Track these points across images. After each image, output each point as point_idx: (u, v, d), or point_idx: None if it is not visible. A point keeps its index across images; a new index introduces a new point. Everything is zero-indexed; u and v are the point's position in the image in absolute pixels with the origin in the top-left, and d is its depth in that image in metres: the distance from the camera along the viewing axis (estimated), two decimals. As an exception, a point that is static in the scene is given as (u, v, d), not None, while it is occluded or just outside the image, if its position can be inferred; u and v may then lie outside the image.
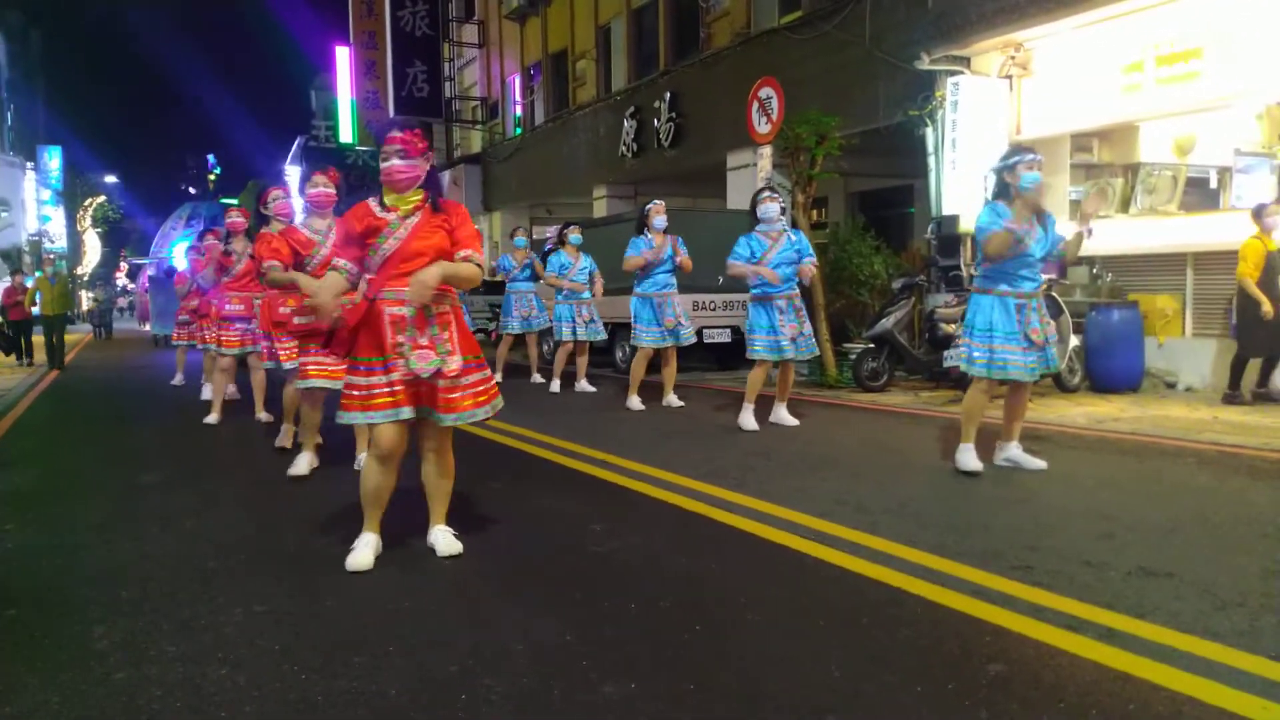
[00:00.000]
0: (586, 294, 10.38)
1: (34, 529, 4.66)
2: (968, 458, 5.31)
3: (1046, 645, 2.78)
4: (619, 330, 11.78)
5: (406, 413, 3.71)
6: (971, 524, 4.23)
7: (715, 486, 5.02)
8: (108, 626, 3.17)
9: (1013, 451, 5.44)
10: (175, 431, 8.15)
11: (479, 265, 3.81)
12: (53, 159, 46.00)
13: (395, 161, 3.73)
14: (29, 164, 44.02)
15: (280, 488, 5.46)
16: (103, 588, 3.63)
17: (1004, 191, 5.24)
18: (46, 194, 44.90)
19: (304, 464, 5.67)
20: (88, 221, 49.49)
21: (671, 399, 8.71)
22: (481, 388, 3.84)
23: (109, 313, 28.88)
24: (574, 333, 10.36)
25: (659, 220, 8.61)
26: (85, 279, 49.28)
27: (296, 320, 5.41)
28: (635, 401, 8.58)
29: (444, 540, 3.92)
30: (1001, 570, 3.48)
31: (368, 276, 3.83)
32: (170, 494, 5.38)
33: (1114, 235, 9.98)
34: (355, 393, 3.72)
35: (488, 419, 3.93)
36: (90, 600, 3.49)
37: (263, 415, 8.10)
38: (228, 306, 8.35)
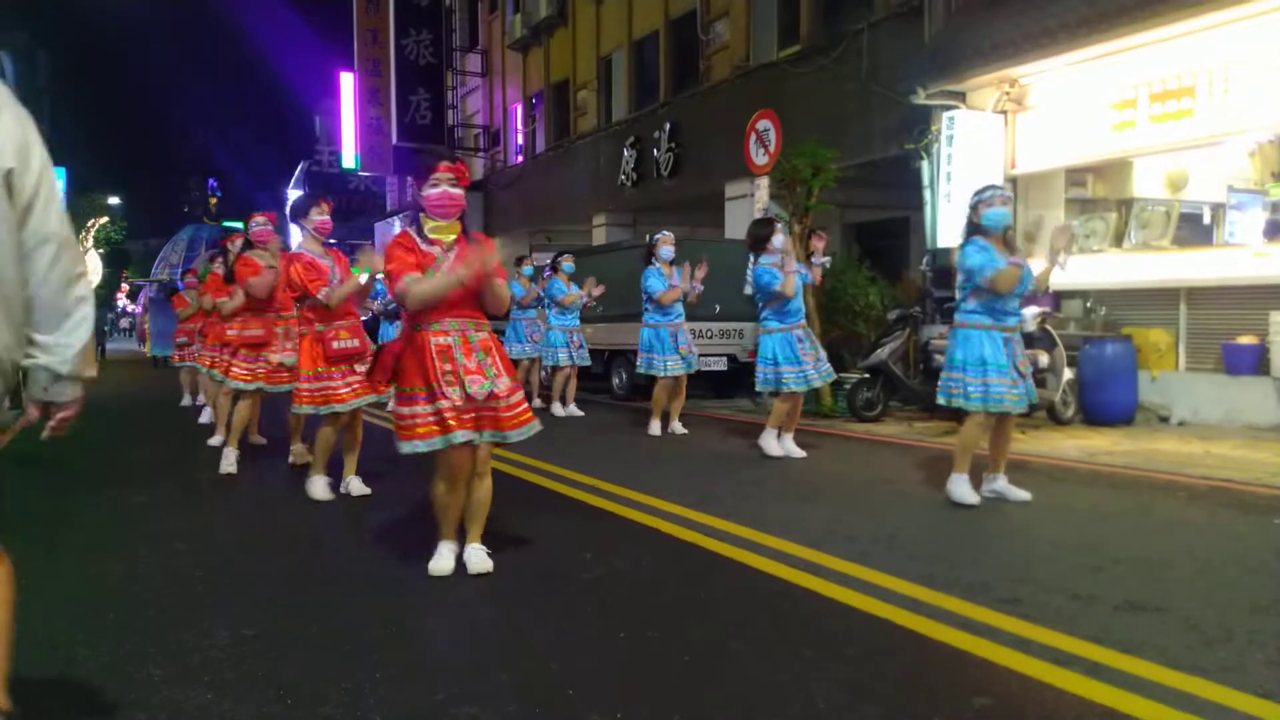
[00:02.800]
0: (576, 321, 10.60)
1: (21, 548, 4.63)
2: (963, 490, 5.31)
3: (1033, 679, 2.78)
4: (615, 357, 11.84)
5: (461, 436, 3.75)
6: (961, 555, 4.24)
7: (707, 515, 5.03)
8: (91, 650, 3.16)
9: (999, 483, 5.46)
10: (169, 453, 8.15)
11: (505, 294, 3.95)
12: (58, 180, 46.17)
13: (448, 189, 3.82)
14: (31, 185, 44.11)
15: (272, 510, 5.47)
16: (88, 610, 3.63)
17: (973, 230, 5.34)
18: (49, 214, 45.01)
19: (322, 486, 5.64)
20: (90, 242, 49.59)
21: (676, 426, 8.77)
22: (525, 405, 3.97)
23: (105, 334, 28.88)
24: (570, 358, 10.51)
25: (666, 251, 8.71)
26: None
27: (335, 345, 5.45)
28: (656, 427, 8.67)
29: (478, 558, 3.96)
30: (989, 603, 3.48)
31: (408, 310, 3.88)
32: (161, 515, 5.38)
33: (1107, 269, 10.06)
34: (403, 422, 3.81)
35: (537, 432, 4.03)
36: (75, 622, 3.48)
37: (257, 439, 8.14)
38: (229, 332, 8.38)
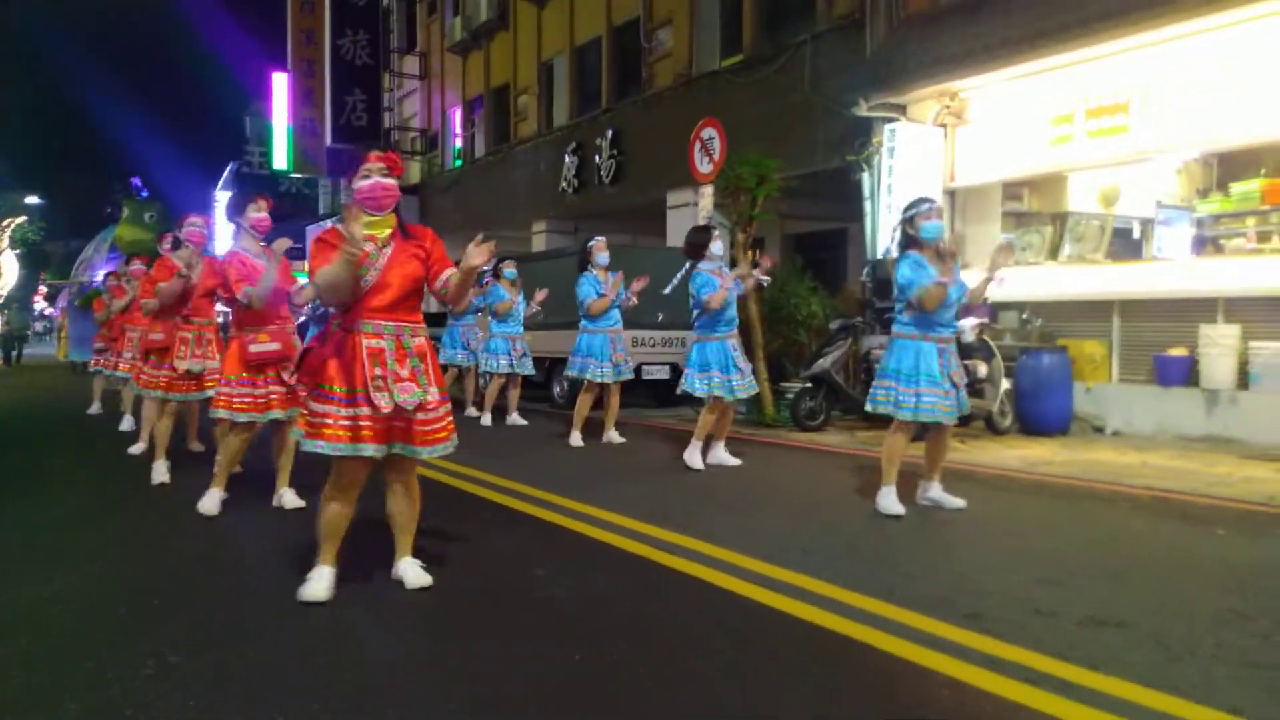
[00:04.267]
0: (520, 328, 10.34)
1: (-75, 569, 4.31)
2: (890, 501, 5.31)
3: (1005, 700, 2.71)
4: (556, 365, 11.66)
5: (370, 449, 3.52)
6: (917, 569, 4.17)
7: (659, 528, 4.90)
8: (7, 682, 2.90)
9: (934, 491, 5.50)
10: (86, 464, 7.74)
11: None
12: (-32, 178, 44.24)
13: (379, 179, 3.57)
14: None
15: (200, 524, 5.17)
16: (3, 639, 3.34)
17: (909, 242, 5.36)
18: (-41, 212, 43.16)
19: (215, 501, 5.32)
20: (5, 242, 47.60)
21: (613, 435, 8.63)
22: (448, 420, 3.73)
23: (22, 339, 27.70)
24: (510, 365, 10.28)
25: (601, 257, 8.59)
26: (1, 300, 47.34)
27: (253, 349, 5.17)
28: (577, 438, 8.44)
29: (413, 573, 3.77)
30: (952, 618, 3.41)
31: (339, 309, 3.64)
32: (78, 531, 5.06)
33: (1043, 282, 10.22)
34: (313, 419, 3.53)
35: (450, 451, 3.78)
36: (-15, 650, 3.20)
37: (195, 445, 7.83)
38: (152, 335, 8.04)
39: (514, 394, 10.53)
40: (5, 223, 44.36)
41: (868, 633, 3.27)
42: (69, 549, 4.64)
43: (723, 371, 6.96)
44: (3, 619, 3.54)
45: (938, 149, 11.11)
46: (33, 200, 46.44)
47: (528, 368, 10.51)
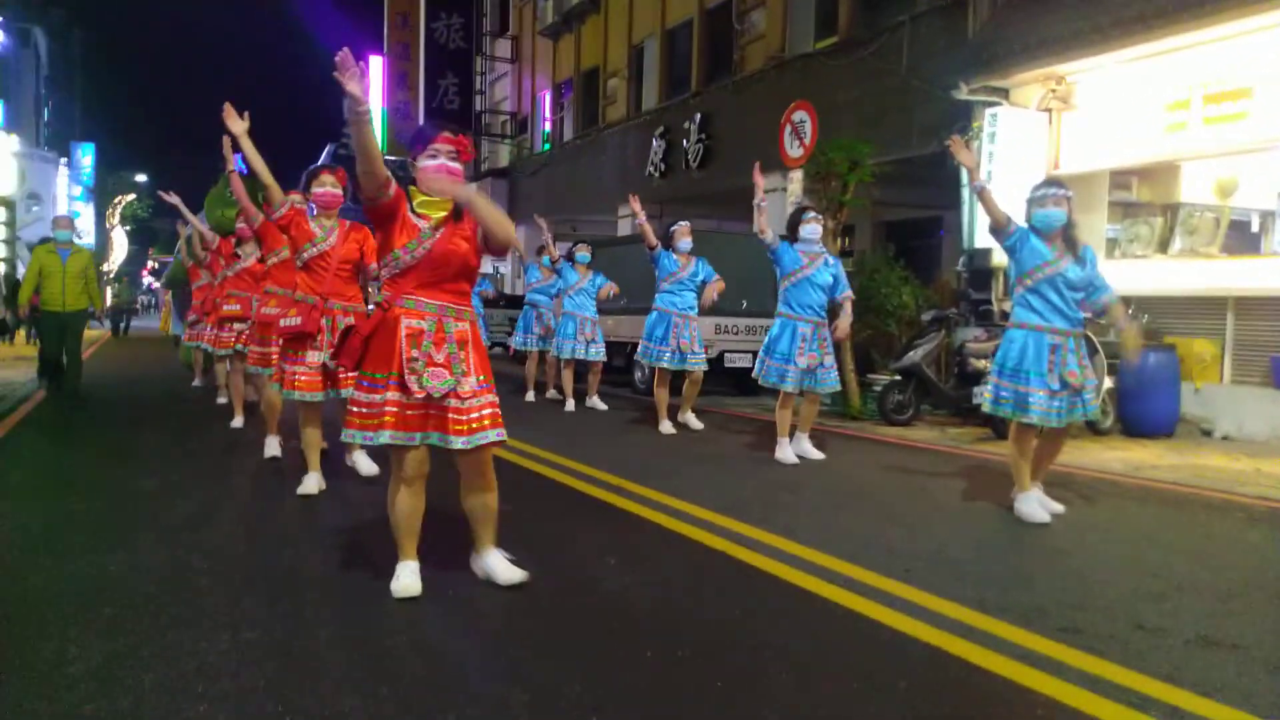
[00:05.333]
0: (593, 311, 10.23)
1: (25, 533, 4.46)
2: (1030, 508, 5.00)
3: (1106, 725, 2.52)
4: (634, 353, 11.58)
5: (418, 437, 3.45)
6: (1011, 577, 3.96)
7: (738, 521, 4.77)
8: (83, 648, 2.95)
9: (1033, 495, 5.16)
10: (183, 435, 7.96)
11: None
12: (85, 156, 46.35)
13: (445, 161, 3.47)
14: (62, 159, 44.39)
15: (285, 502, 5.25)
16: (86, 603, 3.42)
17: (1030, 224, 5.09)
18: (78, 190, 45.24)
19: (312, 483, 5.35)
20: (116, 218, 49.83)
21: (691, 418, 8.48)
22: (490, 411, 3.56)
23: (130, 311, 28.91)
24: (573, 351, 10.18)
25: (684, 243, 8.43)
26: (111, 275, 49.55)
27: (283, 323, 5.20)
28: (668, 425, 8.33)
29: (502, 567, 3.64)
30: (1048, 632, 3.21)
31: (384, 280, 3.58)
32: (170, 502, 5.17)
33: (1151, 276, 9.72)
34: (358, 409, 3.47)
35: (498, 444, 3.62)
36: (71, 617, 3.27)
37: (237, 421, 8.01)
38: (226, 307, 8.24)
39: (594, 379, 10.43)
40: (116, 200, 46.44)
41: (958, 644, 3.09)
42: (160, 520, 4.74)
43: (781, 360, 6.74)
44: (90, 587, 3.62)
45: (1041, 135, 10.63)
46: (141, 178, 48.43)
47: (594, 354, 10.27)
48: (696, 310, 8.47)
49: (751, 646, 3.07)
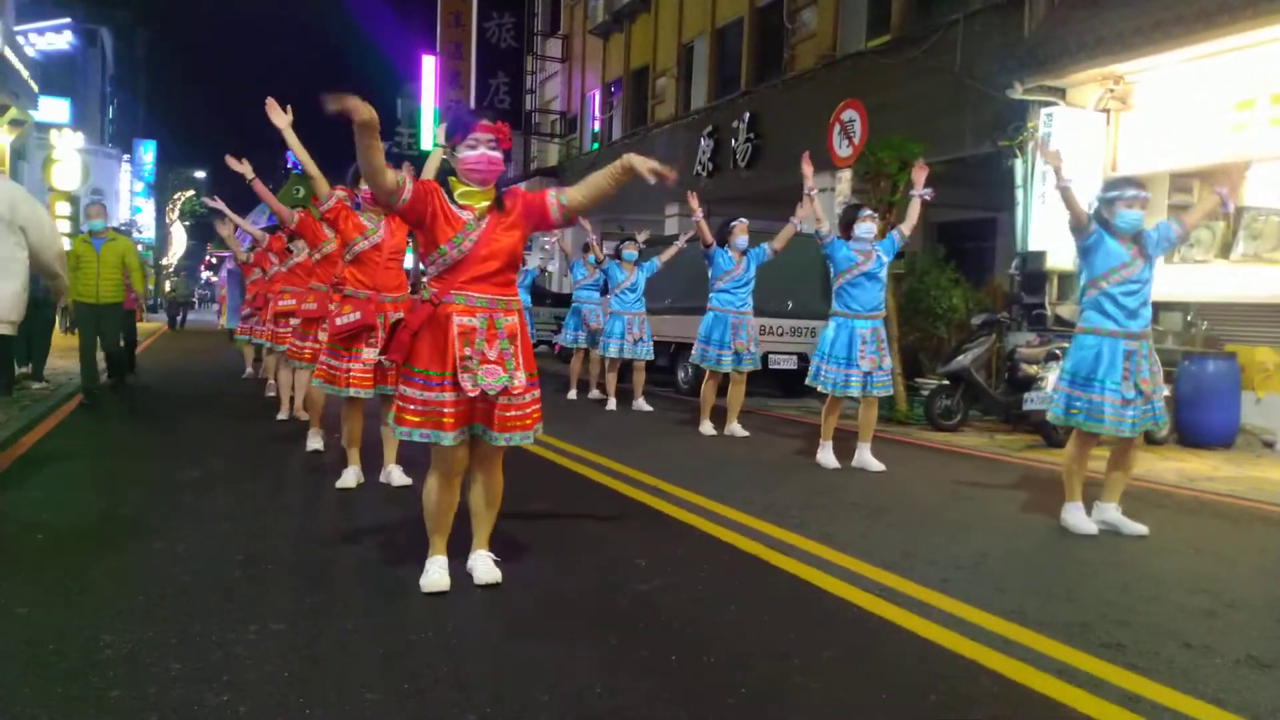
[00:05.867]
0: (640, 307, 10.13)
1: (66, 521, 4.54)
2: (1077, 518, 4.86)
3: (1146, 746, 2.42)
4: (681, 350, 11.52)
5: (449, 438, 3.42)
6: (1054, 589, 3.84)
7: (773, 525, 4.70)
8: (115, 635, 2.98)
9: (1110, 514, 4.95)
10: (230, 427, 8.09)
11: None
12: (147, 152, 47.58)
13: (486, 151, 3.42)
14: (125, 156, 45.56)
15: (323, 495, 5.29)
16: (121, 590, 3.47)
17: (1101, 225, 4.84)
18: (139, 185, 46.40)
19: (351, 477, 5.40)
20: (176, 214, 51.03)
21: (735, 428, 8.23)
22: (535, 408, 3.56)
23: (187, 304, 29.55)
24: (620, 350, 10.08)
25: (741, 240, 8.19)
26: (170, 269, 50.75)
27: (339, 321, 5.21)
28: (708, 426, 8.19)
29: (483, 567, 3.64)
30: (1090, 647, 3.10)
31: (432, 278, 3.50)
32: (209, 493, 5.24)
33: (1212, 281, 9.43)
34: (413, 406, 3.41)
35: (529, 443, 3.63)
36: (105, 604, 3.31)
37: (283, 415, 8.10)
38: (280, 302, 8.32)
39: (638, 379, 10.34)
40: (176, 196, 47.57)
41: (993, 657, 3.00)
42: (202, 510, 4.80)
43: (841, 365, 6.53)
44: (127, 575, 3.67)
45: (1098, 136, 10.37)
46: (201, 174, 49.52)
47: (643, 353, 10.16)
48: (751, 308, 8.26)
49: (780, 654, 3.01)
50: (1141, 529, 4.84)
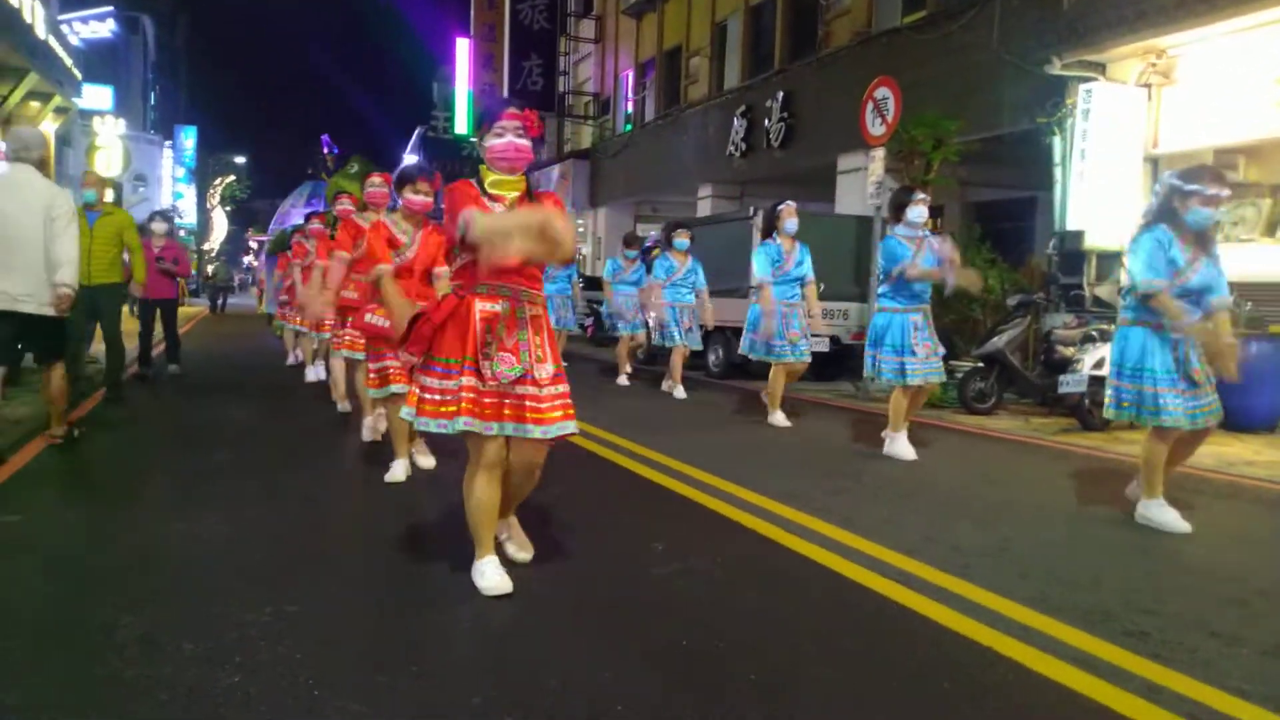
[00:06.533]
0: (690, 298, 9.99)
1: (96, 503, 4.63)
2: (1164, 515, 4.59)
3: (1164, 739, 2.36)
4: (712, 334, 11.44)
5: (495, 428, 3.31)
6: (1080, 576, 3.76)
7: (796, 510, 4.65)
8: (135, 616, 3.03)
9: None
10: (263, 411, 8.19)
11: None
12: (188, 138, 48.19)
13: (513, 139, 3.36)
14: (166, 142, 46.22)
15: (352, 484, 5.34)
16: (143, 572, 3.53)
17: (1168, 215, 4.53)
18: (180, 171, 47.06)
19: (400, 470, 5.31)
20: (217, 199, 51.72)
21: (778, 417, 7.90)
22: (563, 399, 3.42)
23: (227, 289, 29.96)
24: (675, 337, 9.96)
25: (790, 224, 7.82)
26: (213, 254, 51.50)
27: (368, 319, 5.23)
28: (780, 417, 7.82)
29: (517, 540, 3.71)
30: (1112, 636, 3.03)
31: (458, 269, 3.44)
32: (239, 478, 5.31)
33: (1256, 261, 9.17)
34: (430, 396, 3.34)
35: (573, 434, 3.49)
36: (126, 584, 3.38)
37: (343, 405, 8.09)
38: (344, 293, 8.33)
39: (678, 362, 10.19)
40: (216, 181, 48.14)
41: (1011, 645, 2.94)
42: (229, 494, 4.86)
43: (898, 353, 6.36)
44: (152, 556, 3.73)
45: (1139, 112, 10.10)
46: (241, 160, 50.06)
47: (694, 341, 10.10)
48: (800, 297, 7.93)
49: (793, 641, 2.98)
50: (1185, 527, 4.60)
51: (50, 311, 5.38)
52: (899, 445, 6.40)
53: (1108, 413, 4.86)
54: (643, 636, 3.00)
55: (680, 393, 9.81)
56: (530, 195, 3.49)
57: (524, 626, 3.10)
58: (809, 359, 8.05)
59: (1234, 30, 8.98)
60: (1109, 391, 4.78)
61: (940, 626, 3.11)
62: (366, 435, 6.41)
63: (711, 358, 12.15)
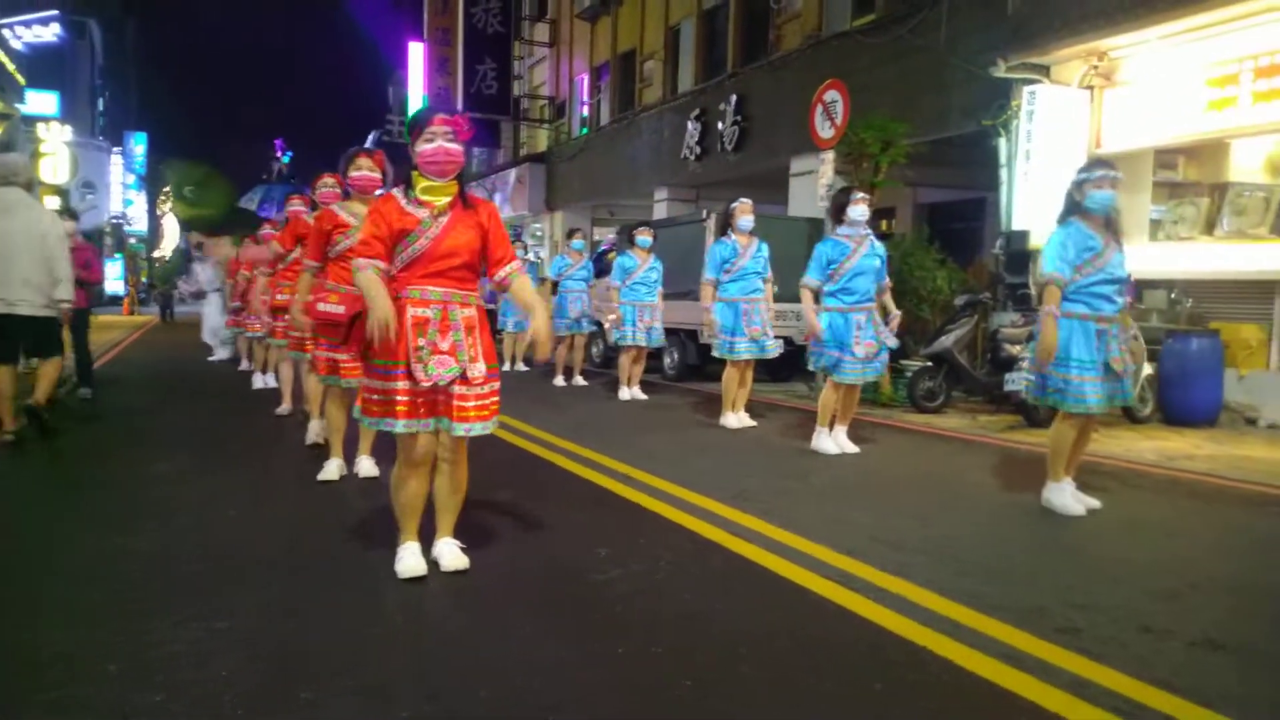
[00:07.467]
0: (652, 297, 9.91)
1: (31, 515, 4.51)
2: (1064, 498, 4.81)
3: (1088, 734, 2.38)
4: (667, 336, 11.42)
5: (401, 425, 3.45)
6: (1016, 571, 3.81)
7: (740, 511, 4.66)
8: (63, 633, 2.96)
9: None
10: (207, 419, 8.05)
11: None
12: (138, 145, 47.41)
13: (443, 144, 3.41)
14: (115, 148, 45.39)
15: (293, 489, 5.26)
16: (77, 587, 3.45)
17: (1073, 209, 4.82)
18: (130, 178, 46.24)
19: (334, 469, 5.35)
20: (168, 206, 50.85)
21: (742, 416, 7.94)
22: (494, 399, 3.57)
23: (173, 296, 29.49)
24: (633, 338, 9.86)
25: (744, 221, 7.87)
26: (164, 261, 50.59)
27: (321, 307, 5.15)
28: (733, 419, 7.85)
29: (450, 554, 3.66)
30: (1044, 632, 3.06)
31: (395, 273, 3.50)
32: (180, 486, 5.22)
33: (1196, 259, 9.38)
34: (375, 396, 3.46)
35: (491, 432, 3.60)
36: (59, 600, 3.31)
37: (285, 408, 8.00)
38: (279, 296, 8.23)
39: (637, 368, 10.05)
40: (166, 189, 47.35)
41: (945, 643, 2.96)
42: (168, 503, 4.77)
43: (838, 349, 6.46)
44: (87, 570, 3.65)
45: (1082, 113, 10.27)
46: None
47: (656, 340, 9.99)
48: (763, 293, 7.95)
49: (729, 643, 2.97)
50: (1094, 503, 4.88)
51: (44, 313, 6.16)
52: (823, 440, 6.57)
53: (1030, 397, 5.07)
54: (579, 644, 2.98)
55: (626, 394, 9.82)
56: (464, 199, 3.50)
57: (459, 636, 3.07)
58: (772, 354, 8.05)
59: (1170, 34, 9.15)
60: (1033, 378, 4.95)
61: (876, 626, 3.13)
62: (310, 438, 6.36)
63: (667, 360, 12.15)
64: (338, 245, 5.18)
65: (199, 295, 14.39)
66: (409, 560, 3.55)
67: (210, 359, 13.75)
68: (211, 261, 13.95)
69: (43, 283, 6.13)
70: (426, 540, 3.70)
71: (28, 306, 6.09)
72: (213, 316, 14.03)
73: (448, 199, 3.48)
